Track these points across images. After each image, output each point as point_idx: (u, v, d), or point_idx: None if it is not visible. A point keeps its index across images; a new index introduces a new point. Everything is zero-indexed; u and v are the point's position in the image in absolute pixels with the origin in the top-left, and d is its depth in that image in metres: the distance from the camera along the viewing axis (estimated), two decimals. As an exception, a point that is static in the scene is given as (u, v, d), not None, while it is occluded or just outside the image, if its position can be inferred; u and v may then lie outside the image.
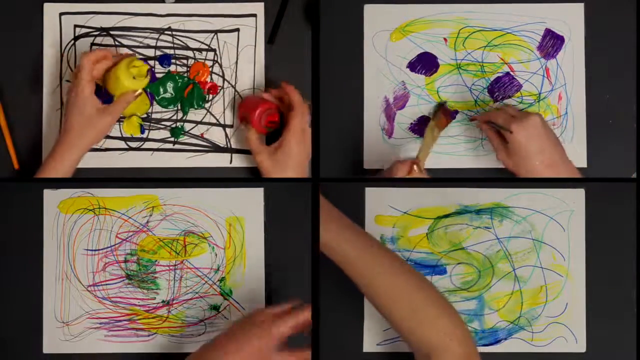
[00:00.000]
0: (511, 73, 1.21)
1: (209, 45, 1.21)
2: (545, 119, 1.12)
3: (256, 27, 1.21)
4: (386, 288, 1.01)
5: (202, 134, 1.21)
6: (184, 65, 1.21)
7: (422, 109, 1.21)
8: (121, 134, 1.21)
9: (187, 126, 1.21)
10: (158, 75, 1.21)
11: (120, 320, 1.18)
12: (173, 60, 1.21)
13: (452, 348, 0.99)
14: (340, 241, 1.01)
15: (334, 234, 1.01)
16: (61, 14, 1.21)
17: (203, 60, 1.21)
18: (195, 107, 1.21)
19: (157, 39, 1.21)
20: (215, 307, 1.19)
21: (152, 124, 1.21)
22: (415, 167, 1.10)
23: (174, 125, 1.21)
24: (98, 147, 1.20)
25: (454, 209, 1.19)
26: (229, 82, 1.21)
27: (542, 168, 1.09)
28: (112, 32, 1.21)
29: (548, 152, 1.09)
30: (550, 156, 1.09)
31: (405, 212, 1.20)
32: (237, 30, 1.21)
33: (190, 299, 1.19)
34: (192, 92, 1.21)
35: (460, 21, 1.21)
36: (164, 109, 1.21)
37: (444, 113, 1.18)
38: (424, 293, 1.02)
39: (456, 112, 1.19)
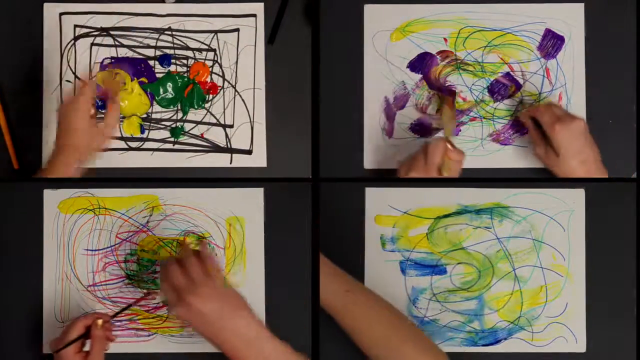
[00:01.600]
0: (511, 73, 1.21)
1: (209, 45, 1.21)
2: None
3: (256, 27, 1.21)
4: (361, 325, 1.06)
5: (202, 134, 1.21)
6: (184, 65, 1.21)
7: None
8: (121, 134, 1.21)
9: (187, 126, 1.21)
10: (158, 76, 1.21)
11: (120, 320, 1.18)
12: (173, 60, 1.21)
13: None
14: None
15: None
16: (61, 14, 1.21)
17: (203, 60, 1.21)
18: (195, 107, 1.21)
19: (157, 39, 1.21)
20: (215, 307, 1.19)
21: (152, 124, 1.21)
22: (449, 144, 1.09)
23: (174, 125, 1.21)
24: (98, 147, 1.20)
25: (454, 209, 1.19)
26: (229, 82, 1.21)
27: (577, 166, 1.12)
28: (112, 32, 1.21)
29: (585, 153, 1.11)
30: (587, 156, 1.12)
31: (405, 212, 1.20)
32: (237, 30, 1.21)
33: (190, 299, 1.18)
34: (192, 92, 1.21)
35: (460, 21, 1.21)
36: (164, 109, 1.21)
37: (446, 92, 1.18)
38: (403, 332, 1.05)
39: (453, 89, 1.19)
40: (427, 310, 1.19)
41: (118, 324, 1.18)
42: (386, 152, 1.21)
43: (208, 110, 1.21)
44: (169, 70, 1.21)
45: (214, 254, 1.12)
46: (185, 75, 1.21)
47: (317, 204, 1.18)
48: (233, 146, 1.21)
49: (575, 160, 1.11)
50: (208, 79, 1.21)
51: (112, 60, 1.21)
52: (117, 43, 1.21)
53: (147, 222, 1.19)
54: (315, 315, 1.17)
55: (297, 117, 1.21)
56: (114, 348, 1.16)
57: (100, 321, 1.08)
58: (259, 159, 1.21)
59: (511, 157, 1.20)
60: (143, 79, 1.21)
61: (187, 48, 1.21)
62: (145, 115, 1.21)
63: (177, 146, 1.21)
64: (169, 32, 1.21)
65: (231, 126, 1.21)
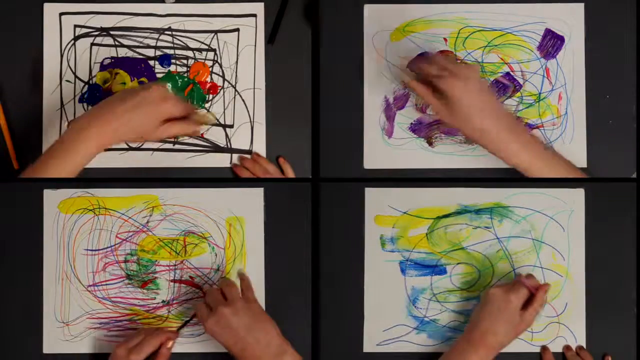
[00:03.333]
0: (511, 73, 1.21)
1: (209, 45, 1.21)
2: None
3: (256, 27, 1.21)
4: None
5: (202, 134, 1.21)
6: (184, 65, 1.21)
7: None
8: (121, 134, 1.21)
9: (187, 126, 1.21)
10: (158, 75, 1.21)
11: (120, 320, 1.18)
12: (173, 60, 1.21)
13: None
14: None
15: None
16: (61, 14, 1.21)
17: (203, 60, 1.21)
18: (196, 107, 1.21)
19: (157, 39, 1.21)
20: (215, 307, 1.19)
21: (152, 124, 1.21)
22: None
23: (174, 125, 1.21)
24: (98, 147, 1.20)
25: (454, 209, 1.19)
26: (229, 82, 1.21)
27: (495, 132, 1.07)
28: (112, 32, 1.21)
29: (489, 107, 1.07)
30: (504, 119, 1.08)
31: (405, 212, 1.20)
32: (237, 30, 1.21)
33: (191, 299, 1.19)
34: (192, 92, 1.21)
35: (460, 21, 1.21)
36: (164, 109, 1.21)
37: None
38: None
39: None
40: (427, 310, 1.19)
41: (118, 324, 1.18)
42: (386, 152, 1.21)
43: (208, 110, 1.21)
44: (169, 70, 1.21)
45: (251, 283, 1.14)
46: (185, 75, 1.21)
47: (317, 204, 1.18)
48: (233, 146, 1.21)
49: (479, 120, 1.04)
50: (208, 79, 1.21)
51: (112, 60, 1.21)
52: (117, 43, 1.21)
53: (147, 222, 1.19)
54: (316, 315, 1.17)
55: (297, 117, 1.21)
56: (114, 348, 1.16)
57: (171, 343, 1.12)
58: (259, 159, 1.21)
59: (511, 157, 1.20)
60: (143, 79, 1.21)
61: (187, 48, 1.22)
62: (145, 115, 1.21)
63: (177, 146, 1.21)
64: (169, 32, 1.21)
65: (231, 126, 1.21)
